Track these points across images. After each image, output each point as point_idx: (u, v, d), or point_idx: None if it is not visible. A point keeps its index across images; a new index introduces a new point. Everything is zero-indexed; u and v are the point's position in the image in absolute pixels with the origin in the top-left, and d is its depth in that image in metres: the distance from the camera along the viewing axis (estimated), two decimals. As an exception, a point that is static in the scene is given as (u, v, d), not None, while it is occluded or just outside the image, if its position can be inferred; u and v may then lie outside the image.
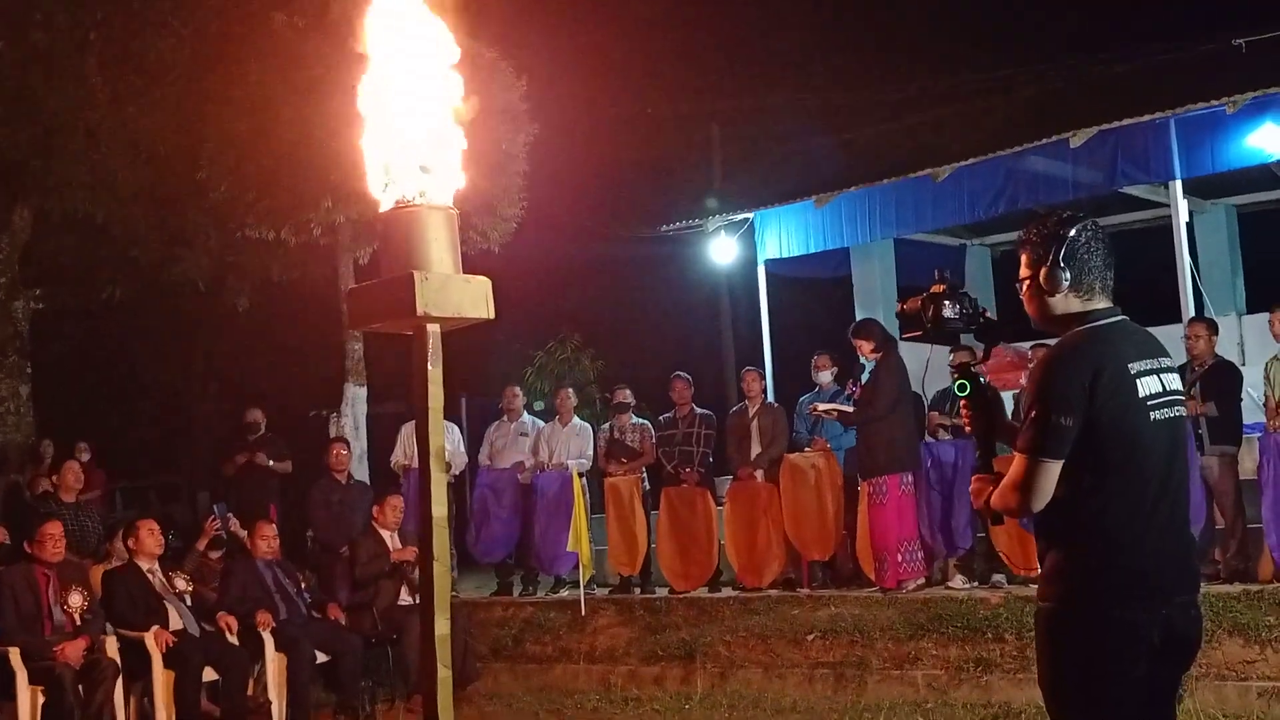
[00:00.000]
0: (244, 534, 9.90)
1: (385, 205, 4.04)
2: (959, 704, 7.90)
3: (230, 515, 10.74)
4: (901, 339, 4.09)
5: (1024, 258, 3.61)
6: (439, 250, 4.00)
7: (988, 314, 3.88)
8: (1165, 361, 3.52)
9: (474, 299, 4.04)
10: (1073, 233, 3.50)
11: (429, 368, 4.02)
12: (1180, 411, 3.50)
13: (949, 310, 3.81)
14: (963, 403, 3.78)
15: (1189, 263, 11.93)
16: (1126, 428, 3.37)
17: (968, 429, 3.81)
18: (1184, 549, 3.54)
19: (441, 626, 3.95)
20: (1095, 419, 3.33)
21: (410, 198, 4.01)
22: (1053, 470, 3.34)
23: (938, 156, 12.48)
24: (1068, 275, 3.48)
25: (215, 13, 12.92)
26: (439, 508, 4.00)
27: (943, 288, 3.83)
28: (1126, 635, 3.35)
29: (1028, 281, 3.58)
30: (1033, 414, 3.38)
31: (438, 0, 4.14)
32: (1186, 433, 3.57)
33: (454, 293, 3.98)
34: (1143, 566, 3.38)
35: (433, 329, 4.00)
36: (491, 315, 4.08)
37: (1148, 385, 3.42)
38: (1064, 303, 3.51)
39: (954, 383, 3.78)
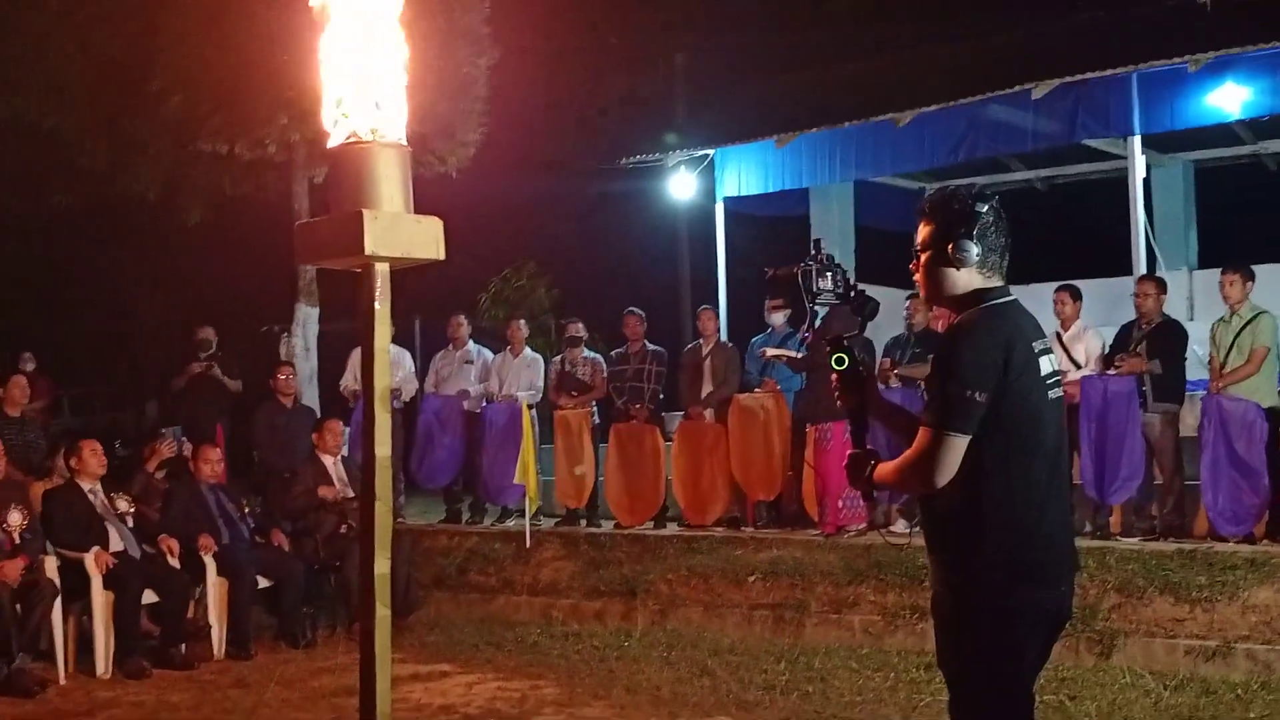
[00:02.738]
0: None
1: (336, 139, 3.97)
2: (894, 650, 8.02)
3: (184, 439, 10.67)
4: (768, 305, 4.14)
5: (925, 229, 3.56)
6: (390, 188, 3.94)
7: (858, 287, 3.88)
8: (1049, 342, 3.58)
9: (424, 239, 4.00)
10: (984, 209, 3.49)
11: (376, 306, 3.99)
12: (1062, 391, 3.56)
13: (826, 282, 3.83)
14: (835, 377, 3.74)
15: (1143, 218, 12.00)
16: (1031, 406, 3.39)
17: (840, 404, 3.78)
18: (1071, 527, 3.67)
19: (381, 565, 3.94)
20: (1004, 396, 3.33)
21: (362, 134, 3.95)
22: (960, 445, 3.32)
23: (900, 101, 12.42)
24: (977, 251, 3.47)
25: (174, -83, 12.59)
26: (383, 448, 3.98)
27: (819, 258, 3.85)
28: (1033, 615, 3.41)
29: (926, 253, 3.56)
30: (944, 389, 3.34)
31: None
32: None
33: (404, 232, 3.94)
34: (1046, 546, 3.43)
35: (381, 268, 3.96)
36: (442, 256, 4.05)
37: (1045, 364, 3.46)
38: (966, 278, 3.50)
39: (830, 356, 3.74)
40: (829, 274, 3.84)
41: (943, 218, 3.52)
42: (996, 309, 3.46)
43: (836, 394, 3.77)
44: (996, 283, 3.52)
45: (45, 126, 13.64)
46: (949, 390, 3.33)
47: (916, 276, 3.62)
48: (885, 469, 3.56)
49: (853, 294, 3.86)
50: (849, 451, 3.70)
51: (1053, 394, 3.46)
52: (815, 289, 3.82)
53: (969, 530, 3.39)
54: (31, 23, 12.85)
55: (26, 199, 15.50)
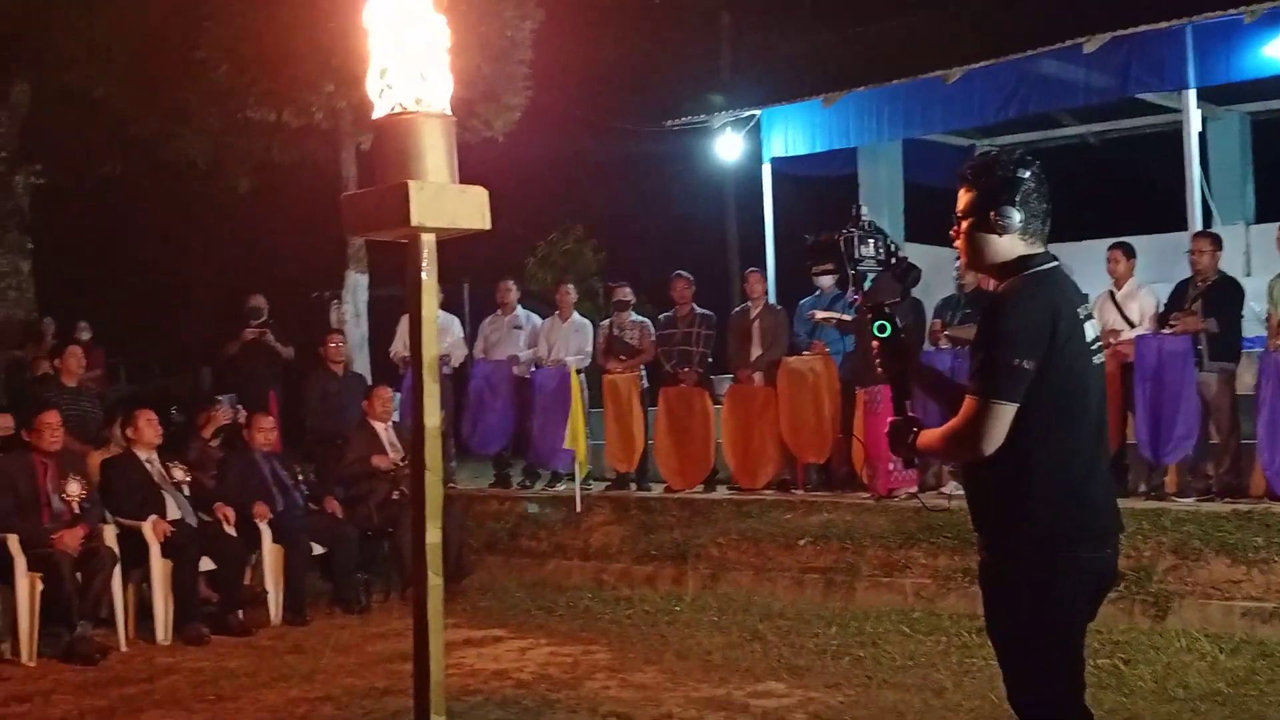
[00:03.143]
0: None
1: (381, 110, 3.97)
2: (946, 614, 7.97)
3: (239, 407, 10.76)
4: (813, 272, 4.08)
5: (966, 196, 3.54)
6: (435, 159, 3.96)
7: (899, 254, 3.85)
8: (1091, 308, 3.60)
9: (469, 209, 4.02)
10: (1026, 175, 3.47)
11: (423, 277, 4.01)
12: (1104, 357, 3.58)
13: (868, 249, 3.80)
14: (876, 344, 3.74)
15: (1199, 173, 11.79)
16: (1077, 371, 3.39)
17: (880, 371, 3.78)
18: (1114, 490, 3.66)
19: (432, 535, 3.99)
20: (1051, 363, 3.33)
21: (407, 104, 3.95)
22: (1008, 413, 3.31)
23: (949, 58, 12.25)
24: (1019, 217, 3.45)
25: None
26: (431, 418, 4.01)
27: (861, 224, 3.82)
28: (1080, 576, 3.41)
29: (967, 220, 3.53)
30: (992, 356, 3.33)
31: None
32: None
33: (449, 203, 3.97)
34: (1094, 508, 3.44)
35: (427, 239, 3.98)
36: (488, 226, 4.07)
37: (1089, 330, 3.47)
38: (1009, 245, 3.48)
39: (872, 325, 3.73)
40: (871, 240, 3.81)
41: (985, 184, 3.50)
42: (1041, 275, 3.45)
43: (878, 362, 3.77)
44: (1039, 249, 3.50)
45: (94, 96, 13.79)
46: (996, 358, 3.33)
47: (958, 243, 3.61)
48: (931, 436, 3.55)
49: (894, 261, 3.84)
50: (890, 419, 3.69)
51: (1096, 360, 3.47)
52: (857, 256, 3.79)
53: (1015, 496, 3.39)
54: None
55: (78, 168, 15.70)
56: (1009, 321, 3.35)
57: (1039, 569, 3.37)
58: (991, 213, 3.45)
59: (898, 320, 3.75)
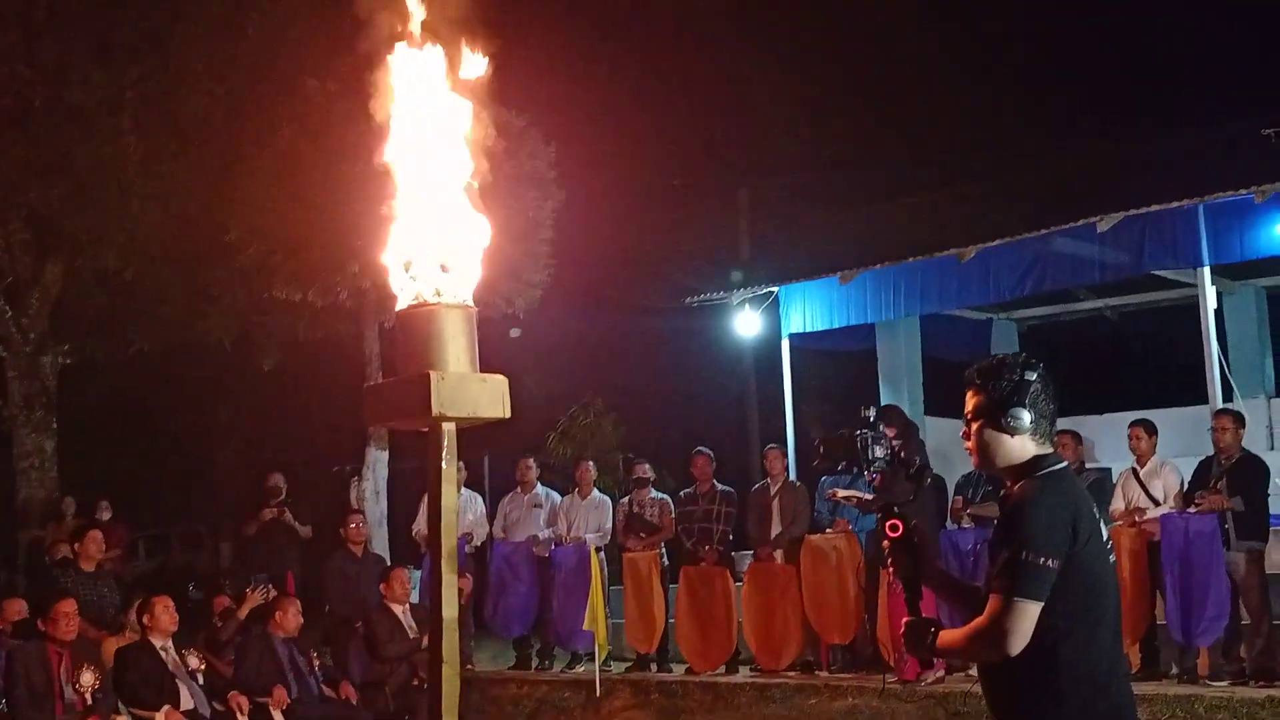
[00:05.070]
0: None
1: (403, 303, 4.04)
2: (977, 806, 7.75)
3: (270, 586, 10.71)
4: (838, 466, 4.16)
5: (975, 399, 3.58)
6: (456, 349, 4.00)
7: (903, 456, 3.94)
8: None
9: (490, 398, 4.05)
10: (1034, 377, 3.53)
11: (444, 466, 4.01)
12: (1114, 557, 3.60)
13: (880, 450, 3.91)
14: (887, 544, 3.76)
15: (1216, 349, 11.80)
16: (1097, 570, 3.41)
17: (892, 571, 3.80)
18: (1132, 692, 3.62)
19: (449, 733, 3.91)
20: (1074, 561, 3.34)
21: (428, 296, 4.01)
22: (1033, 612, 3.30)
23: (964, 236, 12.41)
24: (1030, 418, 3.49)
25: (249, 75, 13.12)
26: (449, 609, 3.98)
27: (872, 426, 3.95)
28: None
29: (977, 422, 3.57)
30: (1017, 555, 3.33)
31: (464, 51, 4.17)
32: None
33: (470, 392, 4.00)
34: (1118, 707, 3.42)
35: (448, 428, 4.00)
36: (508, 414, 4.09)
37: (1103, 530, 3.49)
38: (1021, 446, 3.52)
39: (883, 524, 3.78)
40: (883, 441, 3.89)
41: (994, 387, 3.55)
42: (1058, 474, 3.49)
43: (890, 561, 3.79)
44: (1049, 449, 3.55)
45: (126, 278, 14.08)
46: (1021, 557, 3.33)
47: (968, 445, 3.64)
48: (952, 636, 3.53)
49: (898, 461, 3.90)
50: (905, 619, 3.67)
51: (1111, 559, 3.51)
52: (871, 457, 3.88)
53: (1041, 696, 3.36)
54: (116, 179, 13.32)
55: (109, 347, 15.92)
56: (1033, 520, 3.37)
57: None
58: (1002, 415, 3.50)
59: (910, 520, 3.76)
